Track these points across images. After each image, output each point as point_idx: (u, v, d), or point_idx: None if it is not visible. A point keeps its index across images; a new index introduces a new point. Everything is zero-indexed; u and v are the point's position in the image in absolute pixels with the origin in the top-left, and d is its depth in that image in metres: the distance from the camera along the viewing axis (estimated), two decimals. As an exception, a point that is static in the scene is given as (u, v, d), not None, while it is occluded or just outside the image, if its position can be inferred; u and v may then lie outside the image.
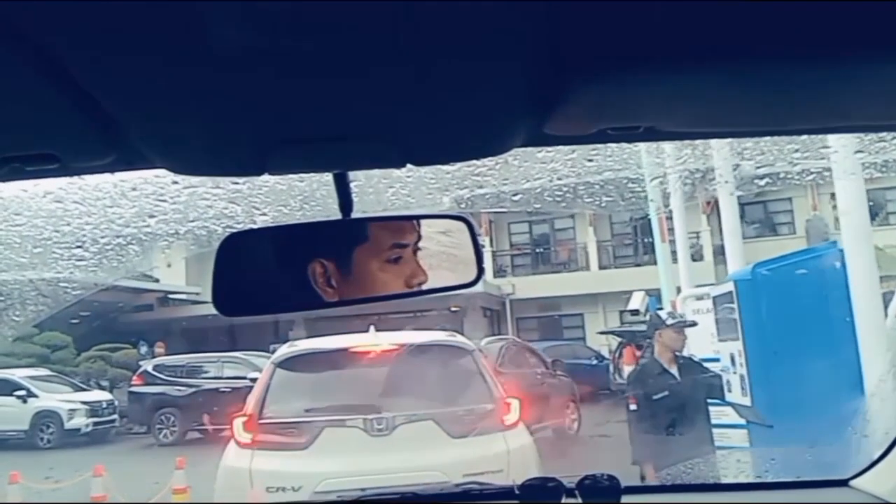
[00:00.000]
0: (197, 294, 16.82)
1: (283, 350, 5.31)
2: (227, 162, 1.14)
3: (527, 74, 0.88)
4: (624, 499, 1.77)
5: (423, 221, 1.24)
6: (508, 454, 4.60)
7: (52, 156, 1.02)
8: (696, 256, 18.36)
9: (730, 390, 6.16)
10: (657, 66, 0.86)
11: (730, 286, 6.65)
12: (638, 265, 18.92)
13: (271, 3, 0.71)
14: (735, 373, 6.23)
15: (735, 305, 6.38)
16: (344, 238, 1.19)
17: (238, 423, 4.91)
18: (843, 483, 1.96)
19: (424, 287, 1.20)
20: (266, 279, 1.22)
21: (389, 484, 4.14)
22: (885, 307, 5.94)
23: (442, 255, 1.23)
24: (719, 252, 17.52)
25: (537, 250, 20.21)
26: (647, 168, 9.51)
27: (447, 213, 1.33)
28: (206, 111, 0.94)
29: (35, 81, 0.83)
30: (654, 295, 11.51)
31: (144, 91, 0.87)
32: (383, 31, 0.77)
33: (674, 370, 5.01)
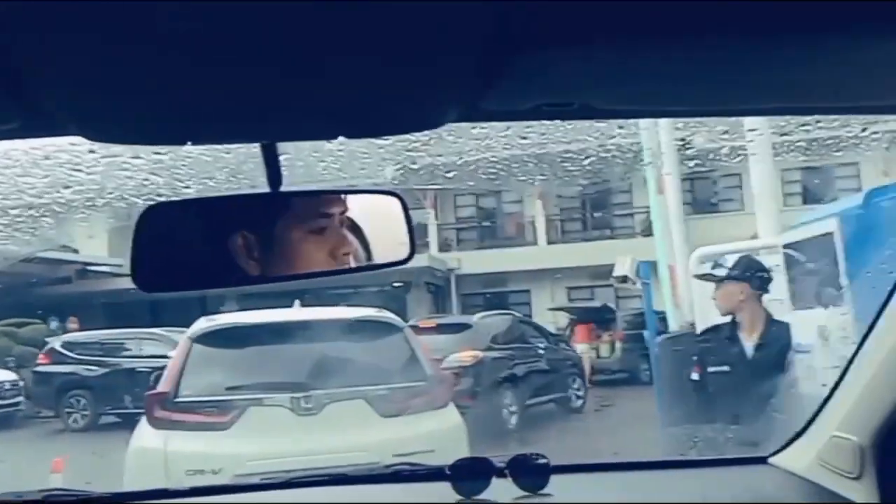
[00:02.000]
0: (119, 266, 16.30)
1: (200, 324, 5.17)
2: (146, 130, 1.11)
3: (463, 47, 0.88)
4: (554, 478, 1.83)
5: (355, 196, 1.25)
6: (440, 434, 4.62)
7: None
8: (647, 232, 18.71)
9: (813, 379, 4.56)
10: (595, 42, 0.87)
11: (822, 227, 5.03)
12: (587, 240, 19.19)
13: None
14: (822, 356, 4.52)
15: (837, 252, 4.70)
16: (270, 211, 1.18)
17: (151, 401, 4.81)
18: (762, 460, 2.03)
19: (354, 264, 1.21)
20: (189, 254, 1.21)
21: (316, 465, 4.02)
22: None
23: (373, 232, 1.23)
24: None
25: (484, 224, 20.25)
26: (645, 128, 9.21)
27: (379, 188, 1.35)
28: (122, 76, 0.90)
29: None
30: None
31: (56, 50, 0.83)
32: (317, 1, 0.77)
33: (750, 339, 4.16)
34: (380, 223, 1.25)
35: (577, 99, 1.09)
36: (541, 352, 12.13)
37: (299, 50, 0.87)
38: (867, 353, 1.79)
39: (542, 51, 0.89)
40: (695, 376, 4.38)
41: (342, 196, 1.23)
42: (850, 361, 1.87)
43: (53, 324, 14.82)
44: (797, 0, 0.80)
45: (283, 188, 1.17)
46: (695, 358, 4.46)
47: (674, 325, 9.51)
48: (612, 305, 16.42)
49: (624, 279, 10.94)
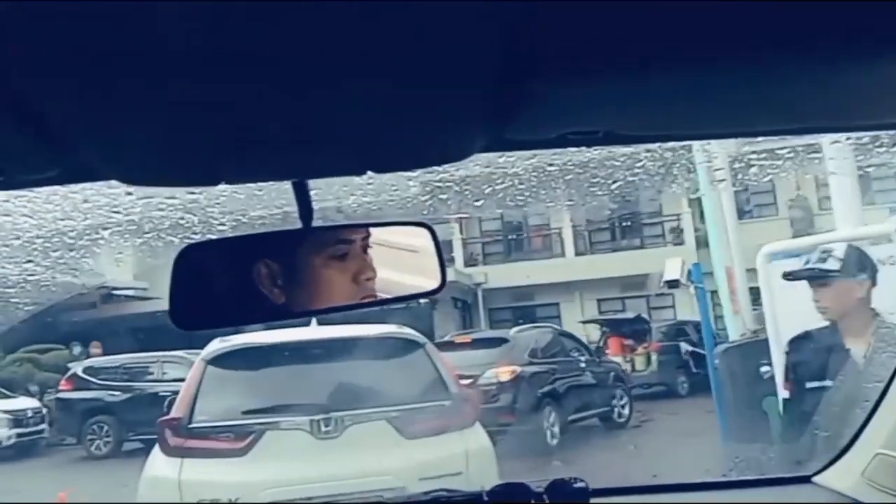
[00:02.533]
0: (144, 290, 16.39)
1: (214, 345, 5.00)
2: (180, 171, 1.15)
3: (488, 80, 0.90)
4: (594, 500, 1.84)
5: (385, 228, 1.29)
6: (467, 455, 4.44)
7: None
8: (678, 241, 18.40)
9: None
10: (618, 71, 0.89)
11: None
12: (615, 250, 18.91)
13: (223, 3, 0.71)
14: None
15: None
16: (303, 246, 1.22)
17: (164, 427, 4.68)
18: (806, 479, 2.02)
19: (385, 295, 1.25)
20: (224, 291, 1.25)
21: (339, 491, 4.04)
22: None
23: (404, 263, 1.28)
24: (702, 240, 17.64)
25: (510, 237, 20.08)
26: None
27: (409, 220, 1.38)
28: (155, 119, 0.94)
29: None
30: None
31: (89, 100, 0.87)
32: (340, 36, 0.78)
33: (860, 347, 3.39)
34: (410, 254, 1.28)
35: (602, 126, 1.10)
36: (582, 365, 11.85)
37: (327, 88, 0.89)
38: None
39: (566, 81, 0.90)
40: (785, 394, 3.85)
41: (371, 228, 1.26)
42: (894, 376, 1.82)
43: (77, 349, 14.87)
44: (812, 24, 0.82)
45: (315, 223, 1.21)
46: (779, 370, 3.97)
47: (733, 333, 8.94)
48: (646, 316, 16.09)
49: (675, 284, 10.32)
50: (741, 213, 17.78)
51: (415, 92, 0.93)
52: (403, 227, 1.33)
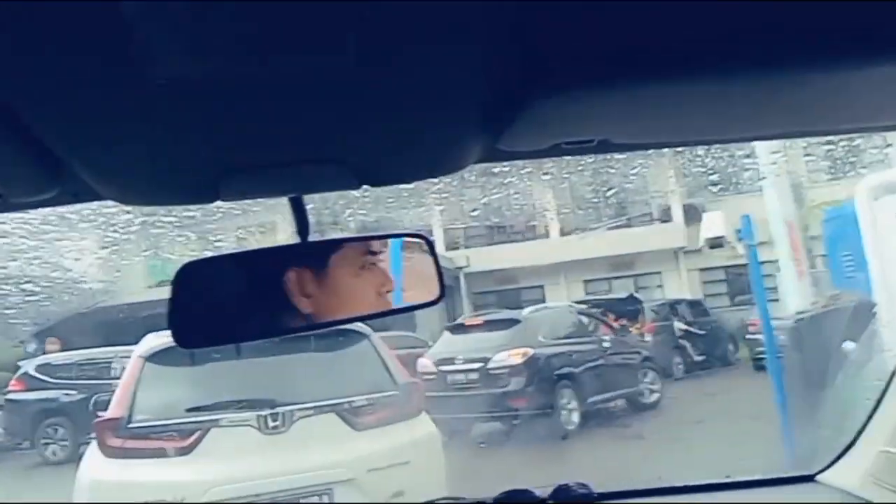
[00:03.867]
0: (112, 282, 16.11)
1: (151, 341, 4.90)
2: (177, 190, 1.21)
3: (480, 92, 0.94)
4: (599, 502, 1.92)
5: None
6: (415, 445, 4.51)
7: None
8: (664, 218, 18.26)
9: None
10: (611, 80, 0.91)
11: None
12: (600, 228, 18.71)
13: (206, 30, 0.73)
14: None
15: None
16: (306, 259, 1.25)
17: (102, 427, 4.60)
18: (810, 478, 2.06)
19: (391, 307, 1.29)
20: (226, 308, 1.28)
21: (289, 486, 4.12)
22: None
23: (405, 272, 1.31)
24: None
25: (492, 218, 19.89)
26: None
27: (405, 231, 1.41)
28: (152, 140, 0.97)
29: None
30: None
31: (86, 122, 0.90)
32: (332, 52, 0.80)
33: None
34: (408, 264, 1.32)
35: (596, 135, 1.13)
36: (606, 345, 11.48)
37: (321, 104, 0.92)
38: None
39: (559, 92, 0.92)
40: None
41: (375, 241, 1.30)
42: (893, 375, 1.85)
43: (31, 346, 14.46)
44: (809, 28, 0.85)
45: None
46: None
47: (796, 301, 7.95)
48: (638, 296, 15.95)
49: (718, 242, 9.04)
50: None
51: (409, 106, 0.97)
52: (400, 238, 1.36)
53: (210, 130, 0.97)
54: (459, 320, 12.57)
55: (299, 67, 0.83)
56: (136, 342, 5.37)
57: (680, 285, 17.74)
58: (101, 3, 0.71)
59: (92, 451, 4.58)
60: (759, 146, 8.26)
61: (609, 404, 10.85)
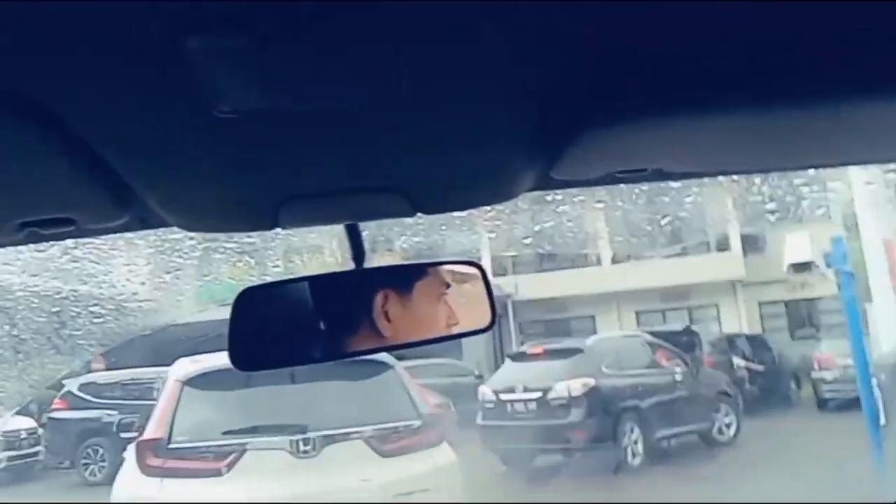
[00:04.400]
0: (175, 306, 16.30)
1: (187, 366, 5.29)
2: (238, 218, 1.27)
3: (534, 121, 0.98)
4: None
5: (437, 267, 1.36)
6: (436, 472, 4.79)
7: (67, 219, 1.12)
8: (722, 247, 17.77)
9: None
10: (665, 110, 0.93)
11: None
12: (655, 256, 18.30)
13: (269, 67, 0.78)
14: None
15: None
16: (362, 286, 1.29)
17: (143, 447, 4.89)
18: None
19: (439, 334, 1.33)
20: (282, 332, 1.33)
21: None
22: None
23: (456, 300, 1.34)
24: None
25: (542, 242, 19.63)
26: None
27: (459, 259, 1.44)
28: (215, 170, 1.04)
29: (47, 146, 0.90)
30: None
31: (154, 153, 0.97)
32: (388, 83, 0.84)
33: None
34: (461, 291, 1.35)
35: (649, 164, 1.16)
36: (678, 378, 11.26)
37: (375, 134, 0.97)
38: None
39: (612, 121, 0.95)
40: None
41: (430, 268, 1.35)
42: None
43: (76, 363, 14.58)
44: (851, 64, 0.88)
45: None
46: None
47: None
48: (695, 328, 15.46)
49: (805, 267, 8.35)
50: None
51: (462, 135, 1.00)
52: (454, 266, 1.40)
53: (270, 160, 1.02)
54: (521, 348, 12.65)
55: (356, 100, 0.87)
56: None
57: (738, 319, 17.18)
58: (167, 37, 0.74)
59: (127, 470, 4.86)
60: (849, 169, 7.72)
61: (679, 440, 10.54)
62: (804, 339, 16.56)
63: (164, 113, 0.87)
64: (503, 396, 10.65)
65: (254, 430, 4.83)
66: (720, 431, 11.06)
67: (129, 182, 1.03)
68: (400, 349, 1.35)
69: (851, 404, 10.39)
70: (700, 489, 8.60)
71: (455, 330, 1.35)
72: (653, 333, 15.70)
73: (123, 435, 11.14)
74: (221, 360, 4.78)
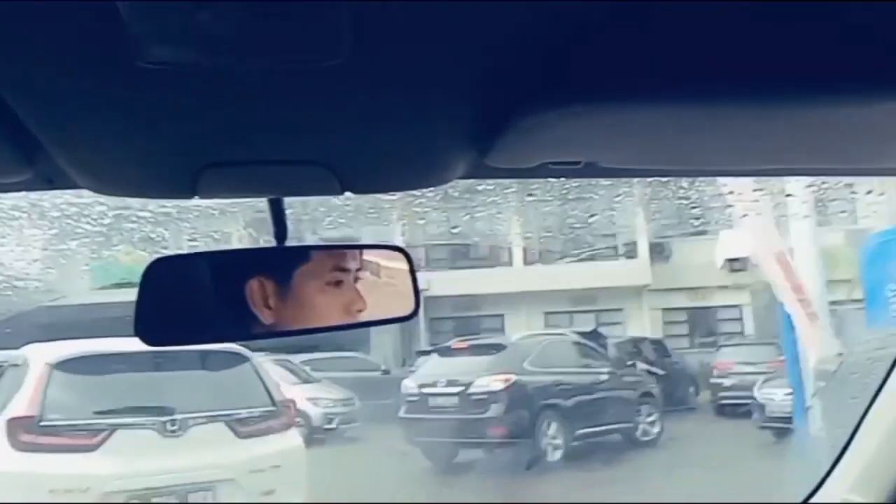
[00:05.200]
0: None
1: (56, 351, 5.73)
2: (154, 184, 1.23)
3: (470, 106, 0.97)
4: None
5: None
6: (286, 452, 5.56)
7: None
8: (630, 254, 18.27)
9: None
10: (600, 102, 0.92)
11: None
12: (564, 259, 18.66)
13: (200, 16, 0.74)
14: None
15: None
16: (280, 264, 1.27)
17: (15, 424, 5.24)
18: None
19: (360, 319, 1.30)
20: (195, 307, 1.28)
21: (179, 482, 5.10)
22: None
23: (378, 286, 1.32)
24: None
25: (455, 242, 19.70)
26: None
27: (384, 243, 1.40)
28: (131, 130, 0.99)
29: None
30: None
31: (65, 106, 0.91)
32: (323, 52, 0.81)
33: None
34: (384, 277, 1.32)
35: (583, 157, 1.17)
36: (602, 377, 11.59)
37: (306, 108, 0.95)
38: (879, 413, 1.81)
39: (546, 110, 0.94)
40: None
41: (351, 251, 1.33)
42: (861, 421, 1.85)
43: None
44: (808, 63, 0.86)
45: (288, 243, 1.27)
46: None
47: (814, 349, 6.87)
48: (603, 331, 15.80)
49: (739, 266, 8.52)
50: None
51: (397, 116, 0.98)
52: (378, 250, 1.37)
53: (193, 122, 0.97)
54: (447, 343, 12.92)
55: (290, 64, 0.84)
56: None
57: (642, 324, 17.68)
58: None
59: None
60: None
61: (600, 438, 10.79)
62: (704, 347, 17.16)
63: (80, 59, 0.82)
64: (426, 390, 10.86)
65: (124, 411, 5.35)
66: (644, 432, 11.46)
67: (36, 134, 0.96)
68: (311, 332, 1.30)
69: (746, 411, 10.84)
70: (611, 490, 8.79)
71: (375, 316, 1.32)
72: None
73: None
74: (92, 346, 5.75)
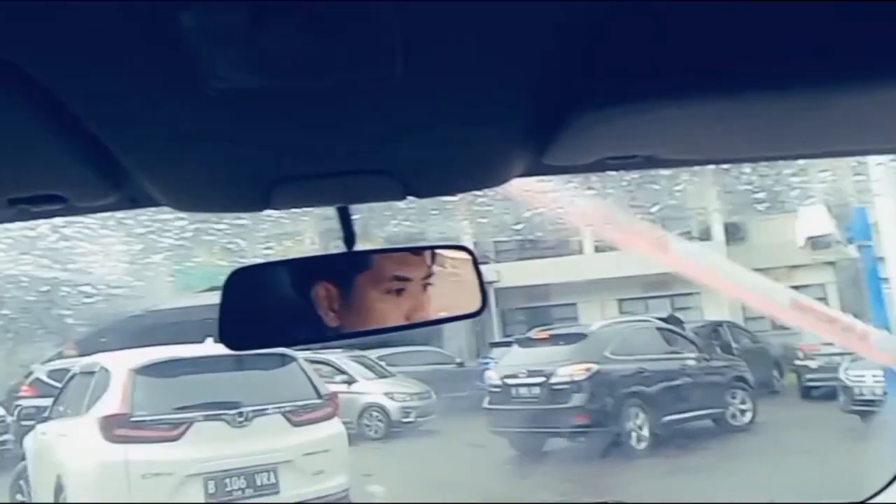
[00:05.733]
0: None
1: (136, 358, 6.74)
2: (229, 198, 1.30)
3: (527, 106, 1.00)
4: None
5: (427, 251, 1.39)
6: (332, 438, 6.59)
7: (57, 196, 1.13)
8: (705, 236, 17.83)
9: None
10: (657, 96, 0.95)
11: None
12: (638, 246, 18.33)
13: (264, 44, 0.80)
14: None
15: None
16: (348, 268, 1.34)
17: (110, 421, 6.22)
18: None
19: (428, 317, 1.35)
20: (272, 312, 1.36)
21: (248, 465, 6.11)
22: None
23: (445, 284, 1.35)
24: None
25: (524, 231, 19.58)
26: None
27: (449, 243, 1.45)
28: (206, 149, 1.06)
29: (39, 123, 0.92)
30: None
31: (145, 130, 0.99)
32: (378, 68, 0.86)
33: None
34: (451, 275, 1.36)
35: (641, 151, 1.18)
36: (689, 363, 11.60)
37: (367, 120, 1.00)
38: None
39: (601, 107, 0.97)
40: None
41: (420, 254, 1.36)
42: None
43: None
44: (852, 49, 0.88)
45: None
46: None
47: None
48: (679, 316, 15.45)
49: (823, 241, 7.36)
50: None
51: (454, 122, 1.02)
52: (443, 251, 1.40)
53: (263, 141, 1.03)
54: (528, 334, 13.18)
55: (349, 81, 0.88)
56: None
57: (719, 308, 17.19)
58: (162, 12, 0.74)
59: (92, 439, 6.15)
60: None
61: (689, 424, 10.82)
62: (784, 329, 16.63)
63: (156, 89, 0.89)
64: (508, 381, 11.09)
65: (199, 407, 6.37)
66: (734, 416, 11.27)
67: (119, 160, 1.04)
68: (387, 332, 1.36)
69: (833, 393, 10.47)
70: (697, 478, 8.75)
71: (444, 314, 1.36)
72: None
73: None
74: (166, 353, 7.31)
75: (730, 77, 0.92)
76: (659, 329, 12.44)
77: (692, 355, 11.76)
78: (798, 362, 13.87)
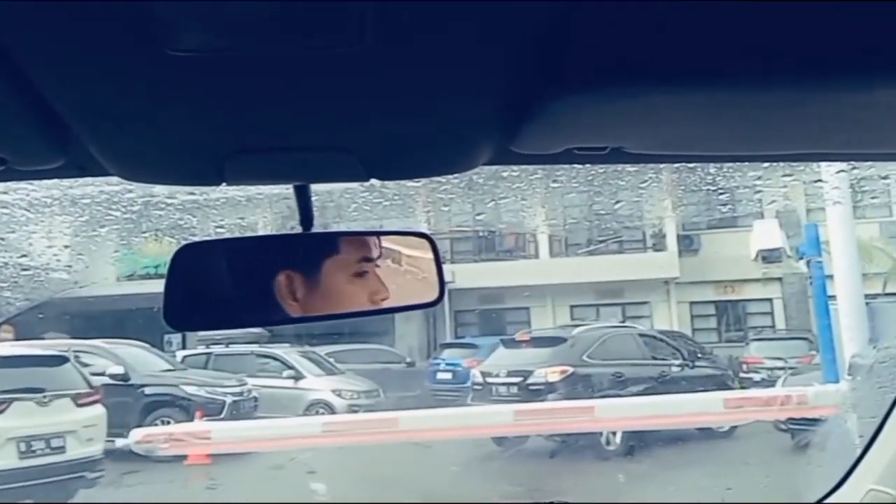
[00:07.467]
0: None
1: None
2: (182, 171, 1.26)
3: (495, 92, 0.99)
4: None
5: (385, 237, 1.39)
6: (97, 417, 8.80)
7: None
8: (659, 247, 18.11)
9: None
10: (628, 88, 0.94)
11: None
12: (592, 254, 18.55)
13: (230, 3, 0.77)
14: None
15: None
16: (307, 251, 1.31)
17: None
18: None
19: (385, 305, 1.33)
20: (222, 293, 1.31)
21: (47, 431, 8.12)
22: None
23: (404, 272, 1.34)
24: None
25: (481, 234, 19.64)
26: None
27: (410, 229, 1.43)
28: (160, 117, 1.02)
29: None
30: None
31: (96, 94, 0.95)
32: (349, 39, 0.84)
33: None
34: (409, 263, 1.34)
35: (609, 143, 1.17)
36: (673, 368, 12.04)
37: (333, 90, 0.96)
38: None
39: (571, 95, 0.96)
40: None
41: (376, 239, 1.34)
42: (889, 412, 1.86)
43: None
44: (831, 47, 0.87)
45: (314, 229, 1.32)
46: None
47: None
48: (631, 325, 15.68)
49: (774, 256, 7.72)
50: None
51: (422, 102, 1.00)
52: (404, 237, 1.39)
53: (220, 109, 1.01)
54: (513, 336, 13.97)
55: (315, 50, 0.86)
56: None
57: (669, 317, 17.52)
58: None
59: None
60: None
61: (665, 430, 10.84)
62: (732, 341, 16.98)
63: (110, 49, 0.85)
64: (490, 380, 11.80)
65: (18, 391, 8.19)
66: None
67: (67, 122, 0.99)
68: (336, 318, 1.34)
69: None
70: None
71: (400, 302, 1.34)
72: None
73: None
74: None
75: (703, 72, 0.91)
76: (641, 335, 13.03)
77: (676, 362, 12.27)
78: (743, 374, 14.23)
